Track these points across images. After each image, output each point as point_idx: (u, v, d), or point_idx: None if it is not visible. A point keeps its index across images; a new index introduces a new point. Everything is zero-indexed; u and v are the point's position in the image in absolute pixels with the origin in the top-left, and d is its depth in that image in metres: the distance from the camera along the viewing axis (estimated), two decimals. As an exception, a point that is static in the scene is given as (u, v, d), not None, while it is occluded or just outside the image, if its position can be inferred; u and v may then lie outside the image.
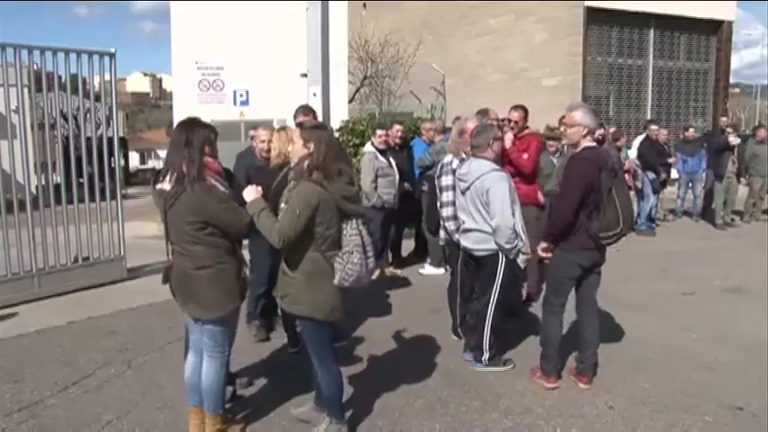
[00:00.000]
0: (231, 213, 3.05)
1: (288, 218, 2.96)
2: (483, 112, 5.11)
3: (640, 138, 10.14)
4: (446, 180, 4.65)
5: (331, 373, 3.21)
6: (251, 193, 3.11)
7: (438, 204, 4.77)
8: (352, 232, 3.02)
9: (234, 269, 3.11)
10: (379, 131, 6.71)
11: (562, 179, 3.91)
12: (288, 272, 3.09)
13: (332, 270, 3.00)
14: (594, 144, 3.86)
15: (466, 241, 4.29)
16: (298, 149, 3.07)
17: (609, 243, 3.72)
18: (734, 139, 9.99)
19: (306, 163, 3.02)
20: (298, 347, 4.43)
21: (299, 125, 3.17)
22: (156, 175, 3.12)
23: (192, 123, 3.11)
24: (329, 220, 2.98)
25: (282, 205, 3.08)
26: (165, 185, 3.01)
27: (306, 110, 5.10)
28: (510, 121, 5.51)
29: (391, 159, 6.70)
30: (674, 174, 10.67)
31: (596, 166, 3.63)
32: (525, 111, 5.58)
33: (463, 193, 4.23)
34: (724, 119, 11.30)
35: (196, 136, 3.01)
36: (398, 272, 7.06)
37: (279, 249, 3.05)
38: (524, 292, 5.57)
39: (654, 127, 9.99)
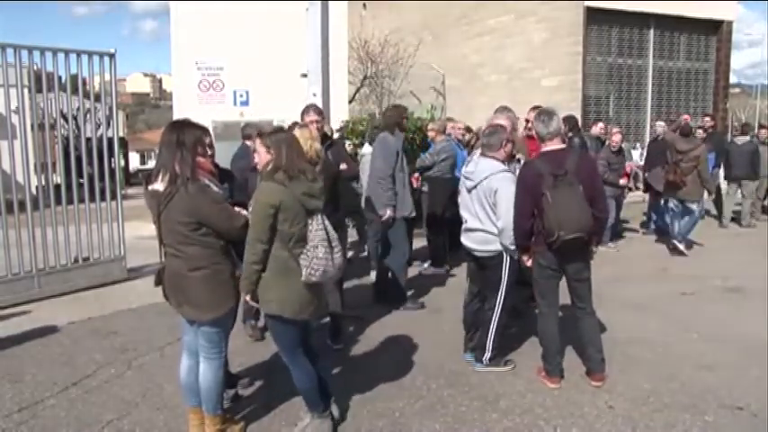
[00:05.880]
0: (225, 214, 3.04)
1: (252, 221, 3.02)
2: (504, 109, 5.18)
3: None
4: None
5: (303, 371, 3.23)
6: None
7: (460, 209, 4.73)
8: (317, 227, 3.07)
9: (228, 269, 3.09)
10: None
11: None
12: None
13: (299, 267, 3.03)
14: (556, 147, 3.87)
15: (468, 241, 4.25)
16: (263, 157, 3.13)
17: (556, 246, 3.74)
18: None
19: (269, 166, 3.07)
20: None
21: (259, 134, 3.21)
22: (148, 177, 3.08)
23: (183, 123, 3.11)
24: (293, 217, 3.01)
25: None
26: (158, 186, 2.97)
27: (318, 110, 4.99)
28: (527, 121, 5.55)
29: None
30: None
31: (537, 172, 3.76)
32: None
33: (469, 191, 4.17)
34: (707, 118, 11.10)
35: (188, 136, 2.99)
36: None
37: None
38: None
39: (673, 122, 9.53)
